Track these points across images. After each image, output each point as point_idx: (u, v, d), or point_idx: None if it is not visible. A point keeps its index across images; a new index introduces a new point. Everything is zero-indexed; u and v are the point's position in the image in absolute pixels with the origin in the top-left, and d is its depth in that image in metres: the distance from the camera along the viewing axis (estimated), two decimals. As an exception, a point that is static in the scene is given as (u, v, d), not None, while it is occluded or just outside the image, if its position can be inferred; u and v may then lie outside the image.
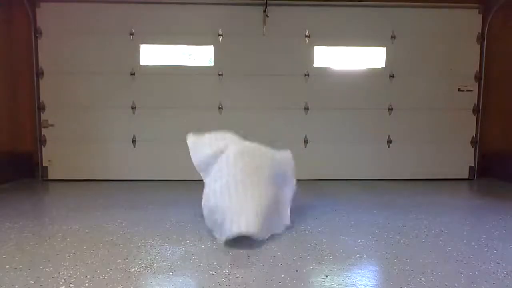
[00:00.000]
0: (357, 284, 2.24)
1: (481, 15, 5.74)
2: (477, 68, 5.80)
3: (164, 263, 2.54)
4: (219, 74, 5.70)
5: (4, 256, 2.65)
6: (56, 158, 5.68)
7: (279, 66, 5.71)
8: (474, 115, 5.88)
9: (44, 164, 5.69)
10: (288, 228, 3.24)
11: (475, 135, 5.90)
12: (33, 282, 2.23)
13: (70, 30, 5.56)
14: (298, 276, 2.36)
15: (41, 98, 5.63)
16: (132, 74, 5.64)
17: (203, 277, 2.36)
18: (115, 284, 2.21)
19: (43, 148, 5.68)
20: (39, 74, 5.60)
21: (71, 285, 2.19)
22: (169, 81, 5.68)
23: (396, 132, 5.85)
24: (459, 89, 5.82)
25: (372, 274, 2.45)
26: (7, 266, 2.47)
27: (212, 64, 5.74)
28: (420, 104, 5.82)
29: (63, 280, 2.25)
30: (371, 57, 5.88)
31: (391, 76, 5.80)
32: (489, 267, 2.49)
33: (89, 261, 2.55)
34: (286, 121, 5.78)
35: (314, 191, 4.93)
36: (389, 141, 5.87)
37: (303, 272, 2.43)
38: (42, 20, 5.55)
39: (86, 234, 3.14)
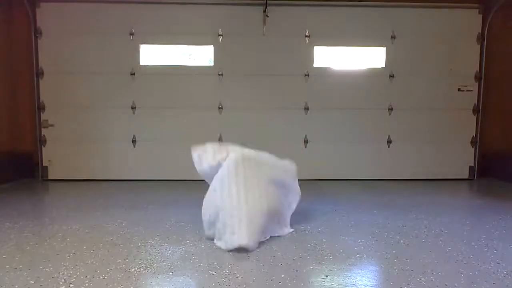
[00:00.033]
0: (357, 284, 2.24)
1: (481, 15, 5.74)
2: (477, 68, 5.80)
3: (164, 263, 2.54)
4: (219, 74, 5.70)
5: (4, 256, 2.65)
6: (56, 158, 5.68)
7: (279, 66, 5.71)
8: (474, 115, 5.88)
9: (44, 164, 5.69)
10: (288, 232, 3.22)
11: (475, 135, 5.90)
12: (33, 282, 2.23)
13: (70, 30, 5.56)
14: (298, 276, 2.36)
15: (41, 98, 5.63)
16: (132, 74, 5.64)
17: (203, 277, 2.36)
18: (115, 284, 2.21)
19: (43, 148, 5.68)
20: (39, 74, 5.60)
21: (71, 285, 2.19)
22: (169, 81, 5.68)
23: (396, 132, 5.85)
24: (459, 89, 5.82)
25: (372, 274, 2.45)
26: (7, 266, 2.47)
27: (212, 64, 5.74)
28: (420, 104, 5.82)
29: (63, 280, 2.25)
30: (371, 57, 5.88)
31: (391, 76, 5.80)
32: (489, 267, 2.49)
33: (89, 261, 2.55)
34: (286, 121, 5.78)
35: (314, 191, 4.93)
36: (389, 141, 5.87)
37: (303, 272, 2.43)
38: (42, 20, 5.55)
39: (86, 234, 3.14)
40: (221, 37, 5.66)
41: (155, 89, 5.68)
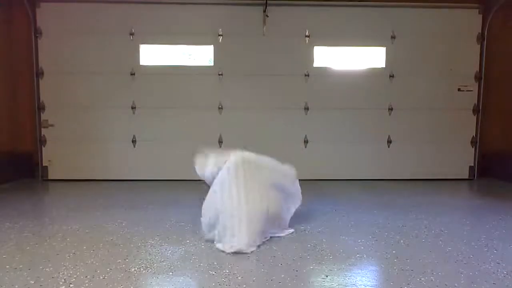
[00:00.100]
0: (357, 284, 2.24)
1: (481, 15, 5.74)
2: (477, 68, 5.80)
3: (164, 263, 2.54)
4: (219, 74, 5.70)
5: (4, 256, 2.65)
6: (56, 158, 5.68)
7: (279, 66, 5.71)
8: (474, 115, 5.87)
9: (44, 164, 5.69)
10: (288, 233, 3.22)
11: (475, 135, 5.89)
12: (33, 282, 2.23)
13: (70, 30, 5.56)
14: (298, 276, 2.36)
15: (41, 98, 5.63)
16: (132, 74, 5.64)
17: (203, 277, 2.36)
18: (115, 284, 2.21)
19: (43, 148, 5.68)
20: (39, 74, 5.59)
21: (71, 285, 2.19)
22: (169, 81, 5.68)
23: (396, 132, 5.85)
24: (459, 89, 5.82)
25: (372, 274, 2.46)
26: (7, 266, 2.47)
27: (212, 64, 5.74)
28: (420, 104, 5.82)
29: (63, 280, 2.25)
30: (371, 57, 5.88)
31: (391, 76, 5.80)
32: (489, 267, 2.49)
33: (89, 261, 2.55)
34: (286, 121, 5.77)
35: (314, 191, 4.92)
36: (389, 141, 5.87)
37: (303, 272, 2.43)
38: (42, 20, 5.55)
39: (86, 234, 3.14)
40: (221, 37, 5.66)
41: (155, 89, 5.68)
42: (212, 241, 2.93)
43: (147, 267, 2.47)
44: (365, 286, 2.22)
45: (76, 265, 2.48)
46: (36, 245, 2.87)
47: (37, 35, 5.55)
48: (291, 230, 3.21)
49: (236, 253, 2.71)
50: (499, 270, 2.45)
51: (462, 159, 5.90)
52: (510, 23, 5.86)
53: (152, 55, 5.80)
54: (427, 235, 3.17)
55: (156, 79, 5.67)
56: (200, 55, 5.90)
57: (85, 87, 5.63)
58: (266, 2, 5.47)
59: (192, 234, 3.11)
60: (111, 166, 5.70)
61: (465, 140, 5.90)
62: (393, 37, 5.75)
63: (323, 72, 5.78)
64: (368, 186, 5.35)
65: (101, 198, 4.52)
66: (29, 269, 2.41)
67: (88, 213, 3.80)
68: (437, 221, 3.56)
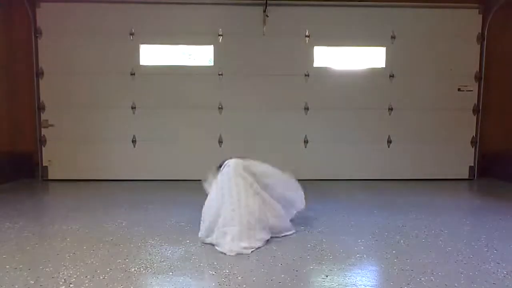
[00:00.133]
0: (357, 284, 2.24)
1: (481, 15, 5.74)
2: (477, 68, 5.80)
3: (164, 263, 2.54)
4: (219, 74, 5.70)
5: (4, 256, 2.65)
6: (56, 158, 5.68)
7: (279, 66, 5.70)
8: (474, 115, 5.87)
9: (44, 164, 5.69)
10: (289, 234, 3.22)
11: (475, 135, 5.89)
12: (33, 282, 2.23)
13: (70, 30, 5.56)
14: (298, 276, 2.36)
15: (41, 98, 5.63)
16: (132, 74, 5.64)
17: (203, 277, 2.36)
18: (115, 284, 2.21)
19: (43, 148, 5.68)
20: (39, 74, 5.59)
21: (71, 285, 2.19)
22: (169, 81, 5.68)
23: (396, 132, 5.85)
24: (459, 89, 5.82)
25: (372, 274, 2.46)
26: (7, 266, 2.47)
27: (212, 64, 5.74)
28: (420, 104, 5.82)
29: (63, 280, 2.25)
30: (371, 57, 5.88)
31: (391, 76, 5.80)
32: (489, 267, 2.49)
33: (89, 261, 2.55)
34: (286, 121, 5.77)
35: (314, 191, 4.91)
36: (389, 141, 5.87)
37: (303, 272, 2.43)
38: (42, 20, 5.54)
39: (86, 234, 3.14)
40: (221, 37, 5.66)
41: (155, 89, 5.68)
42: (212, 244, 2.94)
43: (147, 267, 2.47)
44: (365, 286, 2.22)
45: (76, 265, 2.48)
46: (36, 245, 2.87)
47: (37, 35, 5.55)
48: (292, 231, 3.21)
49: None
50: (499, 270, 2.45)
51: (462, 159, 5.90)
52: (510, 23, 5.86)
53: (152, 55, 5.80)
54: (427, 235, 3.17)
55: (156, 79, 5.67)
56: (200, 55, 5.90)
57: (85, 87, 5.63)
58: (266, 2, 5.46)
59: (192, 234, 3.11)
60: (111, 166, 5.70)
61: (465, 140, 5.90)
62: (393, 37, 5.75)
63: (323, 72, 5.78)
64: (368, 186, 5.35)
65: (101, 198, 4.52)
66: (29, 269, 2.41)
67: (88, 213, 3.80)
68: (437, 221, 3.56)
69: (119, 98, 5.65)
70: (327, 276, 2.36)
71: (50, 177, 5.68)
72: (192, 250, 2.80)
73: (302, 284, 2.26)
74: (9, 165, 5.49)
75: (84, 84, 5.62)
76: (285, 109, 5.77)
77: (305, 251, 2.78)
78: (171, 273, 2.39)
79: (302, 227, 3.33)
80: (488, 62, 5.79)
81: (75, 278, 2.28)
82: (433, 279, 2.29)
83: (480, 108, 5.84)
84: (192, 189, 4.99)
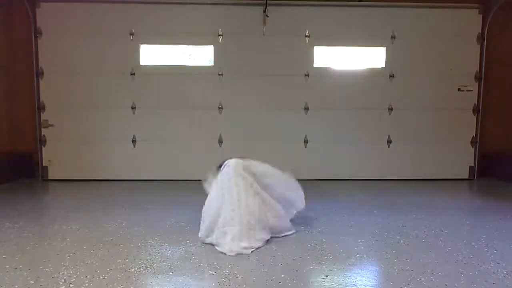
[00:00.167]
0: (357, 284, 2.24)
1: (481, 15, 5.74)
2: (477, 68, 5.80)
3: (164, 263, 2.54)
4: (219, 74, 5.70)
5: (4, 256, 2.65)
6: (56, 158, 5.68)
7: (279, 66, 5.71)
8: (474, 115, 5.87)
9: (44, 164, 5.69)
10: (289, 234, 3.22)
11: (475, 135, 5.89)
12: (33, 282, 2.23)
13: (70, 30, 5.56)
14: (298, 276, 2.36)
15: (41, 98, 5.63)
16: (132, 74, 5.64)
17: (203, 277, 2.36)
18: (115, 284, 2.21)
19: (43, 148, 5.68)
20: (39, 74, 5.59)
21: (71, 285, 2.19)
22: (169, 81, 5.68)
23: (396, 132, 5.85)
24: (459, 89, 5.82)
25: (372, 274, 2.45)
26: (7, 266, 2.47)
27: (212, 64, 5.74)
28: (420, 104, 5.82)
29: (63, 280, 2.25)
30: (371, 57, 5.88)
31: (391, 76, 5.80)
32: (489, 267, 2.49)
33: (89, 261, 2.55)
34: (286, 121, 5.77)
35: (314, 191, 4.92)
36: (389, 141, 5.87)
37: (303, 272, 2.43)
38: (42, 20, 5.54)
39: (86, 234, 3.14)
40: (221, 37, 5.66)
41: (155, 89, 5.68)
42: (212, 244, 2.94)
43: (147, 267, 2.47)
44: (365, 286, 2.22)
45: (76, 265, 2.48)
46: (36, 245, 2.87)
47: (37, 35, 5.55)
48: (292, 231, 3.21)
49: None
50: (499, 270, 2.45)
51: (462, 159, 5.89)
52: (510, 23, 5.86)
53: (152, 55, 5.80)
54: (427, 235, 3.17)
55: (156, 79, 5.67)
56: (200, 55, 5.90)
57: (85, 87, 5.63)
58: (266, 2, 5.46)
59: (192, 234, 3.10)
60: (111, 166, 5.70)
61: (465, 140, 5.90)
62: (393, 37, 5.75)
63: (323, 72, 5.78)
64: (368, 186, 5.35)
65: (101, 198, 4.52)
66: (29, 269, 2.41)
67: (88, 213, 3.80)
68: (437, 221, 3.56)
69: (119, 98, 5.65)
70: (327, 276, 2.36)
71: (50, 177, 5.68)
72: (192, 250, 2.80)
73: (302, 284, 2.26)
74: (9, 165, 5.49)
75: (84, 84, 5.62)
76: (285, 109, 5.77)
77: (305, 251, 2.78)
78: (171, 273, 2.39)
79: (302, 227, 3.33)
80: (488, 62, 5.79)
81: (75, 278, 2.28)
82: (433, 279, 2.29)
83: (480, 108, 5.84)
84: (192, 189, 4.99)
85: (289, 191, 3.31)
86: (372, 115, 5.82)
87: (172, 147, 5.69)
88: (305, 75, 5.74)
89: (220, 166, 3.24)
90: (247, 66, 5.70)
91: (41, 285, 2.19)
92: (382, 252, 2.78)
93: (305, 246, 2.90)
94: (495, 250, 2.82)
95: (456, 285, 2.23)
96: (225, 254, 2.71)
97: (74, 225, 3.37)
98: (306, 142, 5.82)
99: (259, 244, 2.85)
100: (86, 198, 4.55)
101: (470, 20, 5.75)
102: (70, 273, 2.35)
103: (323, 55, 5.83)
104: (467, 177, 5.91)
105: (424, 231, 3.26)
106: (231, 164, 3.13)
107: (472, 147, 5.90)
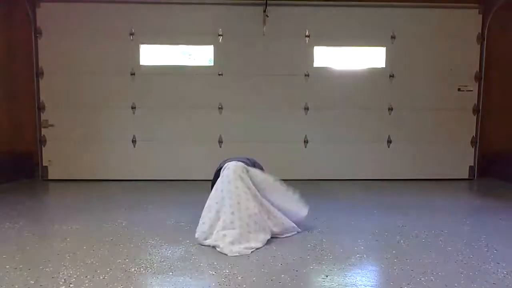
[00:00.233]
0: (357, 284, 2.24)
1: (481, 15, 5.73)
2: (477, 68, 5.80)
3: (164, 263, 2.54)
4: (219, 74, 5.70)
5: (4, 256, 2.65)
6: (56, 158, 5.67)
7: (279, 66, 5.70)
8: (474, 115, 5.87)
9: (44, 164, 5.69)
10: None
11: (475, 135, 5.89)
12: (33, 282, 2.23)
13: (70, 30, 5.56)
14: (298, 276, 2.36)
15: (41, 98, 5.63)
16: (132, 74, 5.64)
17: (203, 277, 2.36)
18: (115, 284, 2.21)
19: (43, 148, 5.68)
20: (39, 74, 5.59)
21: (71, 285, 2.19)
22: (169, 81, 5.68)
23: (396, 132, 5.85)
24: (459, 89, 5.82)
25: (372, 274, 2.45)
26: (7, 266, 2.47)
27: (212, 64, 5.73)
28: (420, 104, 5.82)
29: (63, 280, 2.25)
30: (371, 57, 5.88)
31: (391, 76, 5.80)
32: (489, 267, 2.49)
33: (89, 261, 2.55)
34: (286, 121, 5.77)
35: (314, 191, 4.93)
36: (389, 141, 5.87)
37: (303, 272, 2.43)
38: (42, 20, 5.54)
39: (86, 234, 3.14)
40: (221, 37, 5.66)
41: (155, 89, 5.68)
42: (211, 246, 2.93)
43: (147, 267, 2.47)
44: (365, 286, 2.22)
45: (76, 265, 2.48)
46: (36, 245, 2.87)
47: (37, 35, 5.55)
48: (293, 232, 3.19)
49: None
50: (499, 270, 2.45)
51: (462, 159, 5.89)
52: (510, 23, 5.86)
53: (152, 55, 5.80)
54: (427, 235, 3.17)
55: (156, 79, 5.67)
56: (200, 55, 5.90)
57: (85, 87, 5.63)
58: (266, 2, 5.46)
59: (192, 234, 3.10)
60: (111, 166, 5.70)
61: (465, 140, 5.90)
62: (393, 37, 5.75)
63: (323, 72, 5.78)
64: (368, 186, 5.35)
65: (101, 198, 4.52)
66: (29, 269, 2.41)
67: (88, 213, 3.80)
68: (437, 221, 3.56)
69: (119, 98, 5.65)
70: (327, 276, 2.36)
71: (50, 177, 5.68)
72: (192, 250, 2.80)
73: (302, 284, 2.26)
74: (9, 165, 5.49)
75: (84, 84, 5.62)
76: (285, 109, 5.76)
77: (305, 251, 2.78)
78: (171, 273, 2.39)
79: (302, 227, 3.33)
80: (488, 62, 5.79)
81: (75, 278, 2.28)
82: (433, 279, 2.29)
83: (480, 108, 5.84)
84: (192, 189, 5.00)
85: (289, 202, 3.27)
86: (372, 115, 5.81)
87: (172, 147, 5.69)
88: (305, 75, 5.74)
89: (220, 169, 3.23)
90: (247, 66, 5.70)
91: (41, 285, 2.19)
92: (382, 252, 2.78)
93: (305, 246, 2.90)
94: (495, 250, 2.82)
95: (456, 285, 2.23)
96: (226, 254, 2.70)
97: (74, 225, 3.37)
98: (306, 142, 5.82)
99: (259, 244, 2.85)
100: (86, 198, 4.55)
101: (470, 20, 5.75)
102: (70, 273, 2.35)
103: (323, 55, 5.83)
104: (467, 177, 5.91)
105: (424, 231, 3.26)
106: (230, 166, 3.12)
107: (472, 147, 5.90)
